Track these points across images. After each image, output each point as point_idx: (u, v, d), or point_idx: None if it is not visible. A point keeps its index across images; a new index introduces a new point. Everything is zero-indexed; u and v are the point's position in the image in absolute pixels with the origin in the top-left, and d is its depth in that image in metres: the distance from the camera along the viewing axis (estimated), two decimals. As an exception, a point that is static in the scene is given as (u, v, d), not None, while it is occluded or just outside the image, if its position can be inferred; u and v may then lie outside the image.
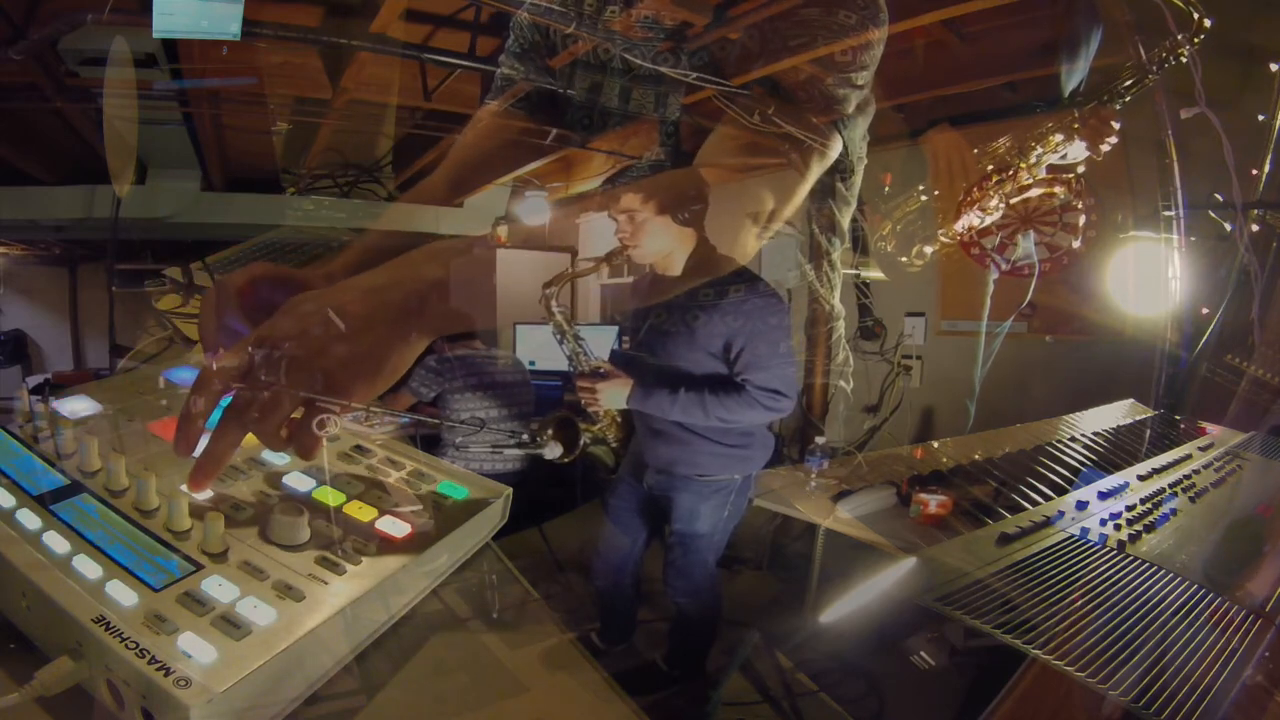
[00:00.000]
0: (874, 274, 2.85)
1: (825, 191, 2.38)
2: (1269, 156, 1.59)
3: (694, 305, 1.61)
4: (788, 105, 2.15)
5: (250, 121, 2.85)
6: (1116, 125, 1.58)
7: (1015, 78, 2.31)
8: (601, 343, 2.09)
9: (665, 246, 1.64)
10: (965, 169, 1.99)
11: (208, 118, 2.84)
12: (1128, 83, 1.59)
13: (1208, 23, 1.45)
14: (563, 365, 1.74)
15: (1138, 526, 1.12)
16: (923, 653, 2.01)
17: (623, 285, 2.21)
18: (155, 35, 1.34)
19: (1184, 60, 1.49)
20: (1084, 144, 1.63)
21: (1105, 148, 1.62)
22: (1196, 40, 1.46)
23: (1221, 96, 1.55)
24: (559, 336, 1.70)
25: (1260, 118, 1.61)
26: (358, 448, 0.95)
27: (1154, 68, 1.53)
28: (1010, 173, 1.76)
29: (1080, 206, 1.92)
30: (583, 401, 1.67)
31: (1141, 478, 1.38)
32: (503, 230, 4.16)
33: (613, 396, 1.66)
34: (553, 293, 1.66)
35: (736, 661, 2.04)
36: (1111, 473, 1.41)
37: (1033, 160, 1.71)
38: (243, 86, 2.51)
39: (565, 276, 1.69)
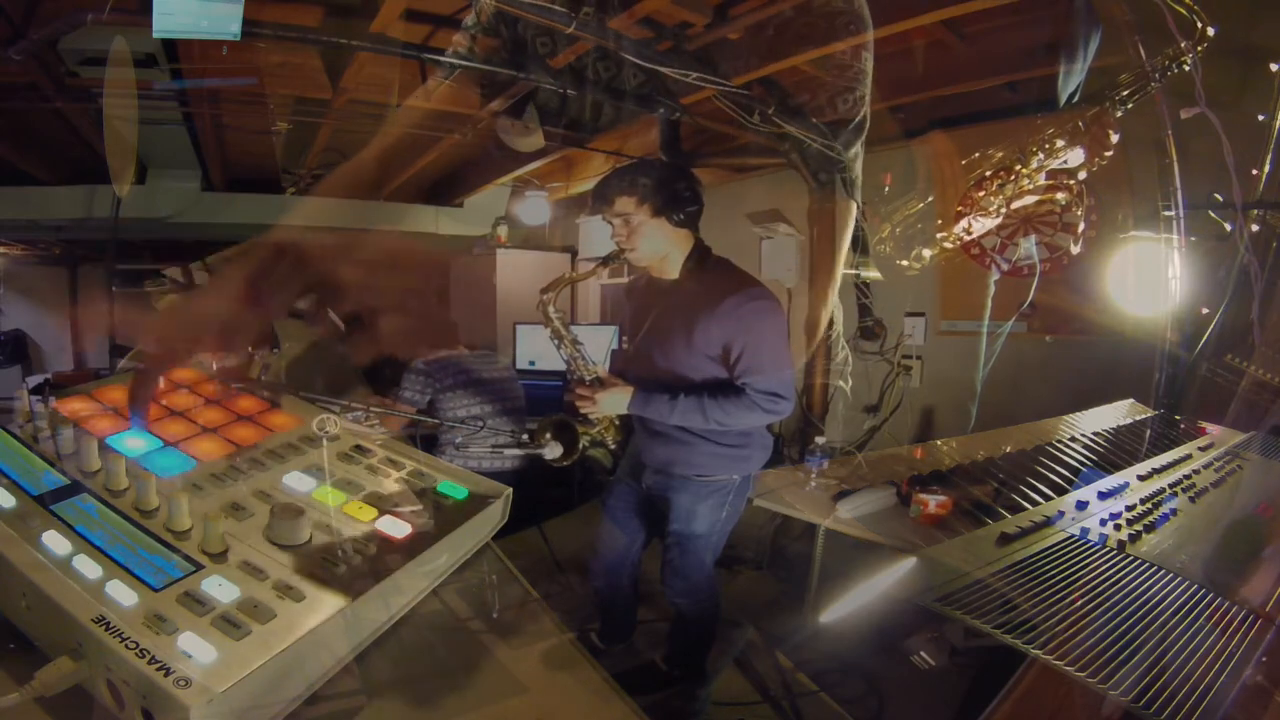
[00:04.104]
0: (873, 274, 2.86)
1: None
2: (1269, 156, 1.59)
3: (692, 309, 1.61)
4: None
5: (250, 121, 2.85)
6: (1115, 137, 1.58)
7: (1015, 78, 2.32)
8: (601, 342, 2.09)
9: (661, 249, 1.64)
10: (955, 176, 2.00)
11: (208, 118, 2.84)
12: (1127, 90, 1.59)
13: (1211, 31, 1.45)
14: (563, 366, 1.73)
15: (1138, 526, 1.12)
16: (923, 653, 2.01)
17: (623, 285, 2.22)
18: (155, 35, 1.35)
19: (1186, 68, 1.49)
20: (1083, 152, 1.63)
21: (1103, 161, 1.63)
22: (1200, 48, 1.46)
23: (1222, 97, 1.55)
24: (556, 341, 1.69)
25: (1260, 118, 1.60)
26: (358, 448, 0.95)
27: (1157, 74, 1.53)
28: (1011, 176, 1.76)
29: (1080, 212, 1.93)
30: (579, 409, 1.67)
31: (1141, 478, 1.38)
32: (502, 230, 4.14)
33: (612, 403, 1.66)
34: (550, 298, 1.65)
35: (729, 656, 2.04)
36: (1111, 473, 1.41)
37: (1034, 165, 1.71)
38: (243, 86, 2.51)
39: (563, 281, 1.68)
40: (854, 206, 2.50)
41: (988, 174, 1.82)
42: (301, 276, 0.65)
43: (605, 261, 1.69)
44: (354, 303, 0.68)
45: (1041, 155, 1.70)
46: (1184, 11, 1.46)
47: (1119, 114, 1.60)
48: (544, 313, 1.66)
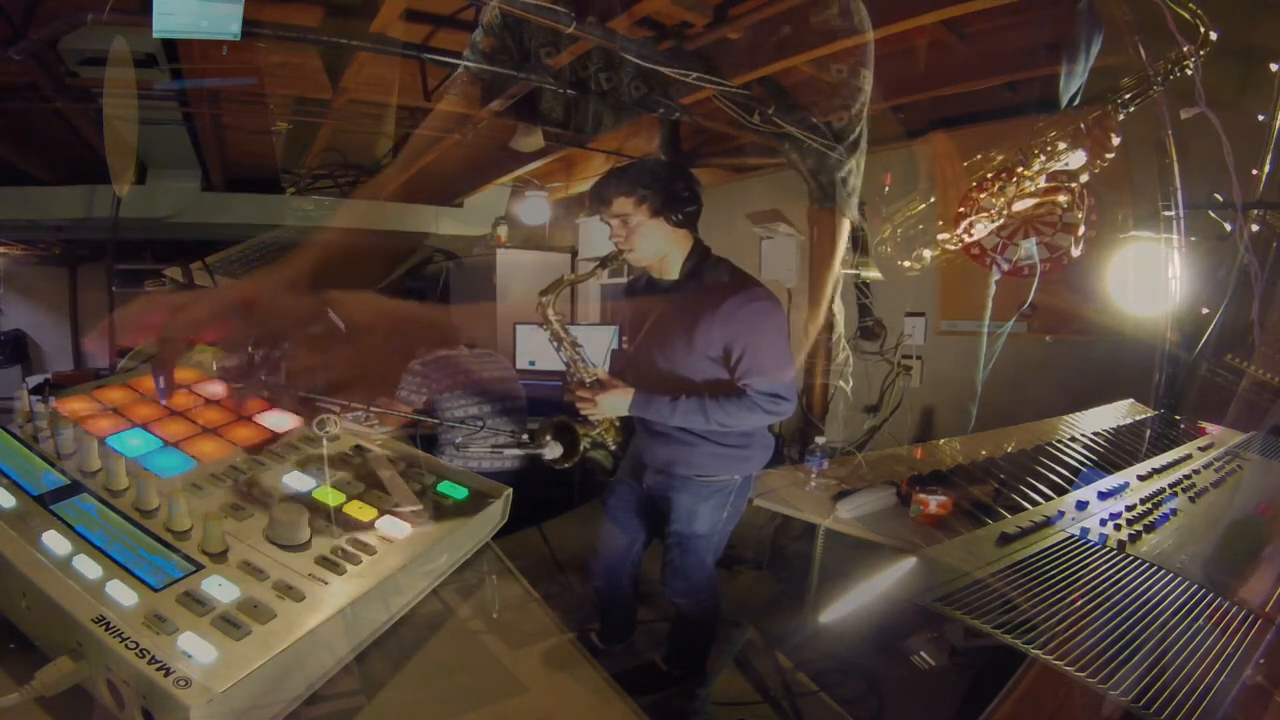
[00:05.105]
0: (873, 274, 2.86)
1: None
2: (1269, 156, 1.59)
3: (692, 310, 1.60)
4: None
5: (250, 121, 2.85)
6: (1117, 140, 1.59)
7: (1015, 78, 2.32)
8: (601, 342, 2.08)
9: (660, 249, 1.63)
10: (956, 177, 2.01)
11: (208, 118, 2.84)
12: (1130, 94, 1.59)
13: (1214, 36, 1.45)
14: (563, 366, 1.73)
15: (1138, 526, 1.12)
16: (923, 653, 2.01)
17: (622, 286, 2.23)
18: (155, 35, 1.35)
19: (1189, 72, 1.49)
20: (1085, 154, 1.63)
21: (1104, 163, 1.63)
22: (1203, 53, 1.46)
23: (1222, 97, 1.55)
24: (556, 344, 1.69)
25: (1260, 118, 1.60)
26: (358, 448, 0.95)
27: (1159, 78, 1.53)
28: (1012, 178, 1.76)
29: (1081, 216, 1.93)
30: (580, 410, 1.66)
31: (1141, 478, 1.38)
32: (503, 230, 4.15)
33: (612, 405, 1.65)
34: (549, 300, 1.64)
35: (728, 656, 2.04)
36: (1111, 473, 1.41)
37: (1035, 168, 1.71)
38: (243, 86, 2.51)
39: (561, 284, 1.68)
40: (846, 222, 2.51)
41: (989, 175, 1.82)
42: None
43: (604, 262, 1.68)
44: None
45: (1043, 157, 1.70)
46: (1187, 15, 1.46)
47: (1121, 117, 1.60)
48: (543, 315, 1.65)
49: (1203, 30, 1.46)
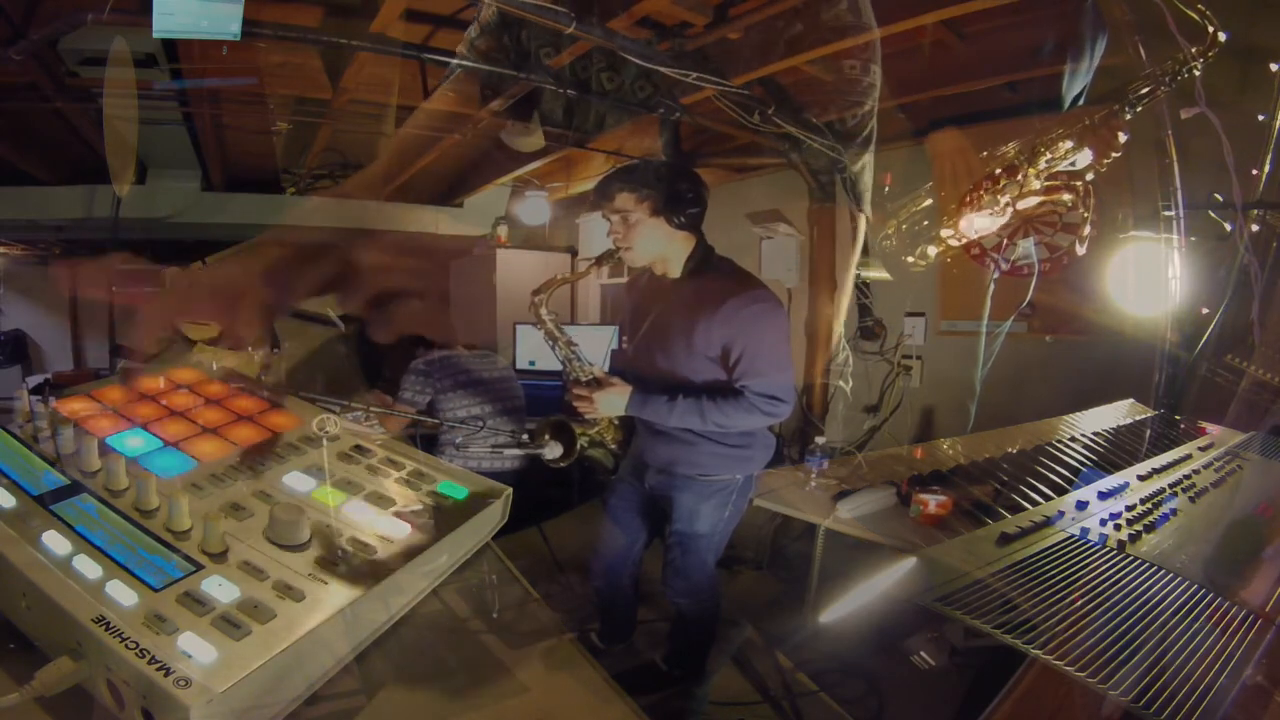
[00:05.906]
0: (875, 274, 2.86)
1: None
2: (1269, 156, 1.59)
3: (693, 310, 1.60)
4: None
5: (250, 121, 2.85)
6: (1124, 138, 1.58)
7: (1016, 78, 2.32)
8: (600, 342, 2.08)
9: (660, 249, 1.63)
10: (969, 172, 2.00)
11: (208, 118, 2.84)
12: (1137, 95, 1.58)
13: (1222, 37, 1.44)
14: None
15: (1138, 526, 1.12)
16: (923, 653, 2.01)
17: (623, 284, 2.22)
18: (155, 35, 1.35)
19: (1196, 74, 1.48)
20: (1091, 153, 1.63)
21: (1109, 161, 1.63)
22: (1210, 55, 1.46)
23: (1222, 97, 1.55)
24: (551, 343, 1.68)
25: (1260, 118, 1.60)
26: (358, 448, 0.95)
27: (1167, 79, 1.53)
28: (1017, 176, 1.75)
29: (1086, 215, 1.93)
30: (577, 409, 1.66)
31: (1141, 478, 1.38)
32: (502, 230, 4.14)
33: (610, 404, 1.65)
34: (542, 299, 1.63)
35: (727, 655, 2.04)
36: (1111, 473, 1.41)
37: (1041, 166, 1.70)
38: (243, 86, 2.51)
39: (555, 283, 1.67)
40: (864, 220, 2.50)
41: (996, 171, 1.82)
42: (316, 272, 0.68)
43: (600, 260, 1.68)
44: (370, 287, 0.72)
45: (1049, 156, 1.69)
46: (1195, 17, 1.45)
47: (1128, 117, 1.60)
48: (536, 314, 1.65)
49: (1211, 31, 1.45)
